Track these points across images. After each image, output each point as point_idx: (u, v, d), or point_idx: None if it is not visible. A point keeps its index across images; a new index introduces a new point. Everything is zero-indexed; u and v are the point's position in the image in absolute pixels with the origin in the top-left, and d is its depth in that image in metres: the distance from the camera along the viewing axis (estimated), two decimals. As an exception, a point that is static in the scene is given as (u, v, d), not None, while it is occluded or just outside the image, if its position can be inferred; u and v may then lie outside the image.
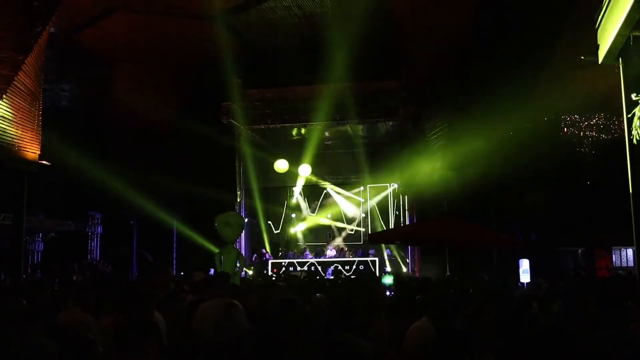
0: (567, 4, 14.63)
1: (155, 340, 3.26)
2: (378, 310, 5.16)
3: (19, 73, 12.33)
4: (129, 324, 3.34)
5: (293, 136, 23.14)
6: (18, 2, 12.32)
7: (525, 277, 15.57)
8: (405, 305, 5.72)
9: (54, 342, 3.36)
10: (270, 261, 21.69)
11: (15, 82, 12.25)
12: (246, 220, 21.80)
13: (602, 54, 8.20)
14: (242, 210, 21.78)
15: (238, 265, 12.81)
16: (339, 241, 23.67)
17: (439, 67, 16.99)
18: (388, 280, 8.54)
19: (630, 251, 20.61)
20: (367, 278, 8.08)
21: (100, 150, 18.85)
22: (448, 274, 15.10)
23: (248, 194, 22.33)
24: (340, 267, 20.49)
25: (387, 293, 8.61)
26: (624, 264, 21.00)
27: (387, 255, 21.84)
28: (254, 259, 22.05)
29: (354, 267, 20.59)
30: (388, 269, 20.94)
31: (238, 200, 21.66)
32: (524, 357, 3.46)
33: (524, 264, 15.72)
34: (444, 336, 3.42)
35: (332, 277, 17.18)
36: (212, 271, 14.20)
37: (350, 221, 24.07)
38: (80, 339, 3.40)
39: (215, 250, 13.48)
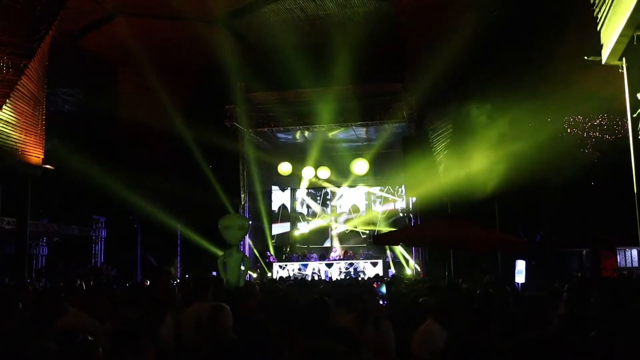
0: (570, 5, 14.58)
1: (151, 343, 3.25)
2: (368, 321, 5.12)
3: (22, 77, 12.38)
4: (124, 327, 3.33)
5: (297, 139, 23.15)
6: (21, 7, 12.36)
7: (520, 277, 15.50)
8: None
9: (55, 345, 3.36)
10: (274, 264, 21.69)
11: (18, 87, 12.31)
12: (250, 222, 21.87)
13: (605, 54, 8.16)
14: (246, 213, 21.78)
15: (243, 267, 12.79)
16: (343, 243, 23.68)
17: (443, 68, 16.95)
18: (382, 289, 8.51)
19: (634, 252, 20.54)
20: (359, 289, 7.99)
21: (104, 154, 18.87)
22: (451, 275, 15.07)
23: (252, 196, 22.33)
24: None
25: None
26: (628, 265, 20.91)
27: (391, 257, 21.84)
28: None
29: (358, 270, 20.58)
30: (392, 271, 20.92)
31: (242, 203, 21.66)
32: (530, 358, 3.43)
33: (519, 265, 15.65)
34: (458, 339, 3.42)
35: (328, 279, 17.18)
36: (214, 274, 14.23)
37: (353, 223, 24.04)
38: (79, 340, 3.40)
39: (220, 253, 13.49)
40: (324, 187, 24.02)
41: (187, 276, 19.22)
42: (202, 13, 17.44)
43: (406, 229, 20.82)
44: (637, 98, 7.43)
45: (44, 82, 13.60)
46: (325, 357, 2.51)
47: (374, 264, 20.93)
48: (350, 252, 22.67)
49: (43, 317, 4.39)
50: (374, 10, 17.59)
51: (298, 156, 22.62)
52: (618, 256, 19.70)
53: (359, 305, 5.22)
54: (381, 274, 19.62)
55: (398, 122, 20.75)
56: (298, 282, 11.22)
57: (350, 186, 23.79)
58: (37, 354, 3.35)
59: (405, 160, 20.41)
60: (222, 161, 21.08)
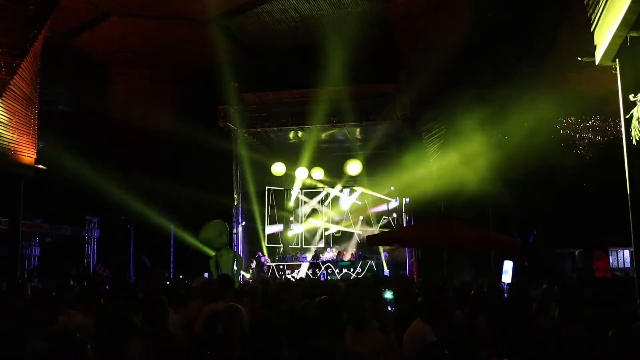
0: (564, 6, 14.65)
1: (137, 339, 3.22)
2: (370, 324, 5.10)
3: (15, 77, 12.30)
4: (107, 323, 3.28)
5: (290, 139, 23.13)
6: (13, 6, 12.28)
7: (506, 277, 15.59)
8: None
9: (46, 345, 3.34)
10: (266, 264, 21.66)
11: (10, 86, 12.24)
12: (243, 223, 21.82)
13: (599, 55, 8.19)
14: (239, 213, 21.74)
15: (235, 267, 12.73)
16: (336, 244, 23.69)
17: (436, 70, 16.99)
18: (387, 295, 8.46)
19: (627, 252, 20.65)
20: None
21: (97, 154, 18.81)
22: (445, 276, 15.11)
23: (245, 197, 22.29)
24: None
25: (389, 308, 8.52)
26: (621, 265, 21.04)
27: (385, 258, 21.84)
28: (253, 263, 21.98)
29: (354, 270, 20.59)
30: (386, 271, 20.94)
31: (235, 203, 21.62)
32: (526, 357, 3.45)
33: (507, 265, 15.75)
34: (444, 337, 3.43)
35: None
36: (206, 275, 14.14)
37: (347, 224, 24.04)
38: (69, 339, 3.38)
39: (212, 253, 13.42)
40: (318, 188, 24.01)
41: (180, 277, 19.19)
42: (196, 13, 17.40)
43: (400, 229, 20.86)
44: (630, 99, 7.45)
45: (37, 82, 13.52)
46: (324, 356, 2.51)
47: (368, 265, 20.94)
48: (344, 252, 22.67)
49: (40, 318, 4.37)
50: (367, 11, 17.59)
51: (292, 157, 22.60)
52: (611, 257, 19.80)
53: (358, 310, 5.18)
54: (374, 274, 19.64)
55: (392, 123, 20.76)
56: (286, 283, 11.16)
57: (344, 187, 23.79)
58: (30, 354, 3.33)
59: (399, 161, 20.43)
60: (215, 161, 21.04)
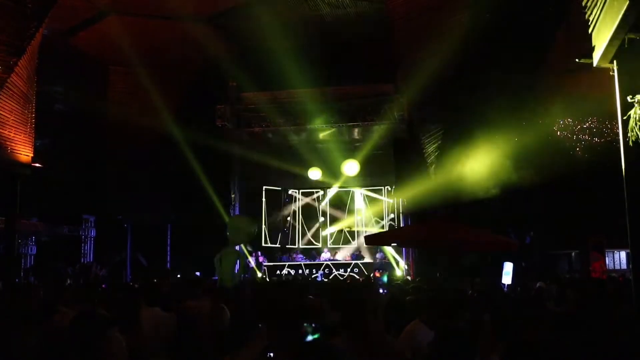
0: (562, 8, 14.67)
1: (116, 334, 3.19)
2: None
3: (12, 75, 12.29)
4: (81, 318, 3.24)
5: (288, 139, 23.11)
6: (11, 4, 12.27)
7: (507, 279, 15.63)
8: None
9: (43, 344, 3.33)
10: (264, 264, 21.65)
11: (7, 84, 12.23)
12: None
13: (596, 56, 8.19)
14: (237, 213, 21.71)
15: (237, 268, 12.78)
16: (333, 244, 23.68)
17: (434, 70, 17.00)
18: (384, 279, 8.48)
19: (623, 254, 20.68)
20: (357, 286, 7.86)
21: (94, 153, 18.79)
22: (442, 276, 15.13)
23: (242, 197, 22.27)
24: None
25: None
26: (617, 267, 21.07)
27: (381, 258, 21.84)
28: (251, 263, 21.97)
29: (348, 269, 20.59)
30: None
31: (232, 203, 21.60)
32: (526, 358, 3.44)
33: (507, 267, 15.78)
34: (447, 337, 3.41)
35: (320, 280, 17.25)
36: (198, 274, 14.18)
37: (344, 224, 24.03)
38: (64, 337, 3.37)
39: (211, 253, 13.45)
40: (315, 188, 24.00)
41: (178, 276, 19.17)
42: (194, 12, 17.39)
43: (397, 229, 20.87)
44: (627, 100, 7.46)
45: (34, 80, 13.53)
46: (320, 355, 2.50)
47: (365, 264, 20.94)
48: (340, 253, 22.67)
49: (36, 316, 4.36)
50: (366, 11, 17.61)
51: (290, 157, 22.57)
52: (607, 258, 19.83)
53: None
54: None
55: (390, 124, 20.76)
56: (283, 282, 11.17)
57: (341, 187, 23.77)
58: (25, 353, 3.32)
59: (397, 161, 20.44)
60: (212, 161, 21.03)
